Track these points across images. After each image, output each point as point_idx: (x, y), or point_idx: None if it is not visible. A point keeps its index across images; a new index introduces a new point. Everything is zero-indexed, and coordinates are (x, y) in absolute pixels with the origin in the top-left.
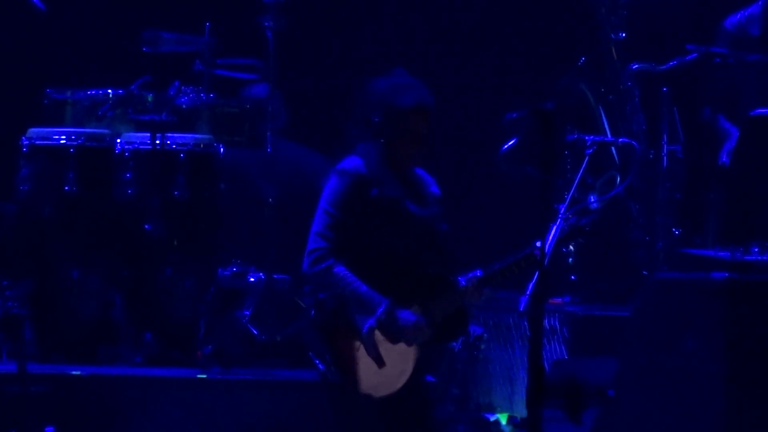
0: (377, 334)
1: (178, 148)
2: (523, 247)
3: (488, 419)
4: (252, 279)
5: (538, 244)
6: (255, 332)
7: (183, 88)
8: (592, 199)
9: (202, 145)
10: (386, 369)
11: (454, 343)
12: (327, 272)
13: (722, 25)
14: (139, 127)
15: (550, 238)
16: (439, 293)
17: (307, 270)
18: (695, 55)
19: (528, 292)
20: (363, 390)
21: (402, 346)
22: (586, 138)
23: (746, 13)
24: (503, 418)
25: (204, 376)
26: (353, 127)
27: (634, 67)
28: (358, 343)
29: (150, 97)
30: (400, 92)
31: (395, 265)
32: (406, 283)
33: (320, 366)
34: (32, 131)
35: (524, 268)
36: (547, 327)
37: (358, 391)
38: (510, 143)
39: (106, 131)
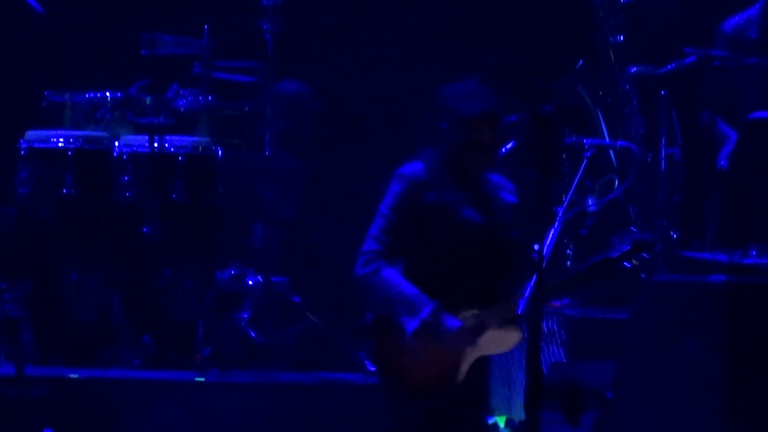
0: (422, 336)
1: (176, 150)
2: (579, 262)
3: (486, 422)
4: (250, 282)
5: (536, 247)
6: (253, 335)
7: (181, 90)
8: (591, 203)
9: (200, 148)
10: (435, 373)
11: None
12: (375, 274)
13: (720, 28)
14: (138, 130)
15: (549, 240)
16: (494, 303)
17: (357, 271)
18: (694, 58)
19: (526, 295)
20: (411, 394)
21: (453, 351)
22: (585, 141)
23: (744, 16)
24: (501, 421)
25: (202, 378)
26: (422, 132)
27: (632, 70)
28: (406, 346)
29: (148, 100)
30: (468, 99)
31: (449, 271)
32: (461, 291)
33: (370, 368)
34: (31, 134)
35: (582, 284)
36: (546, 330)
37: (406, 394)
38: (508, 146)
39: (104, 134)
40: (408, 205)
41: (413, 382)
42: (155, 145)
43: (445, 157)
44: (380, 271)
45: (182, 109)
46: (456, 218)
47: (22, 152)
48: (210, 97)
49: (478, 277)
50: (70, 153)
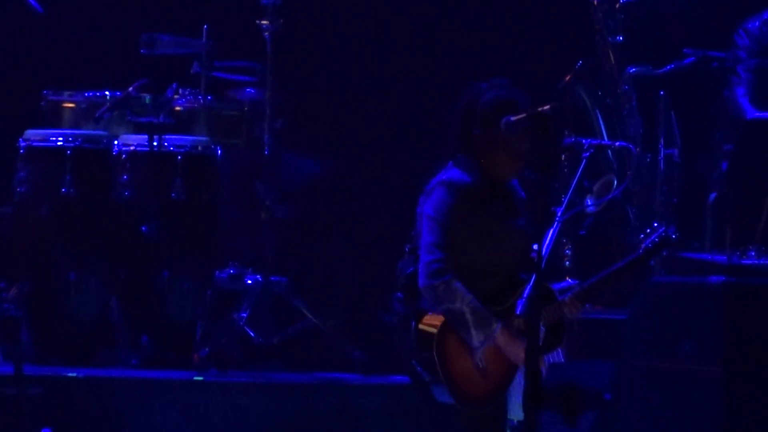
0: (493, 354)
1: (175, 150)
2: (618, 258)
3: None
4: (249, 281)
5: (535, 246)
6: (252, 335)
7: (181, 90)
8: (589, 203)
9: (199, 148)
10: (494, 378)
11: None
12: (447, 286)
13: (745, 26)
14: (137, 129)
15: (548, 241)
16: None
17: (425, 283)
18: (692, 59)
19: (525, 296)
20: (471, 399)
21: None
22: (584, 141)
23: (763, 18)
24: None
25: (201, 378)
26: (453, 139)
27: (631, 70)
28: (465, 355)
29: (148, 100)
30: (503, 108)
31: (498, 277)
32: (509, 297)
33: (425, 375)
34: (30, 133)
35: (623, 278)
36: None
37: (467, 400)
38: None
39: (103, 133)
40: (462, 213)
41: (478, 390)
42: (154, 144)
43: (482, 165)
44: (452, 284)
45: (181, 109)
46: (504, 228)
47: (21, 151)
48: (209, 97)
49: (525, 282)
50: (69, 152)
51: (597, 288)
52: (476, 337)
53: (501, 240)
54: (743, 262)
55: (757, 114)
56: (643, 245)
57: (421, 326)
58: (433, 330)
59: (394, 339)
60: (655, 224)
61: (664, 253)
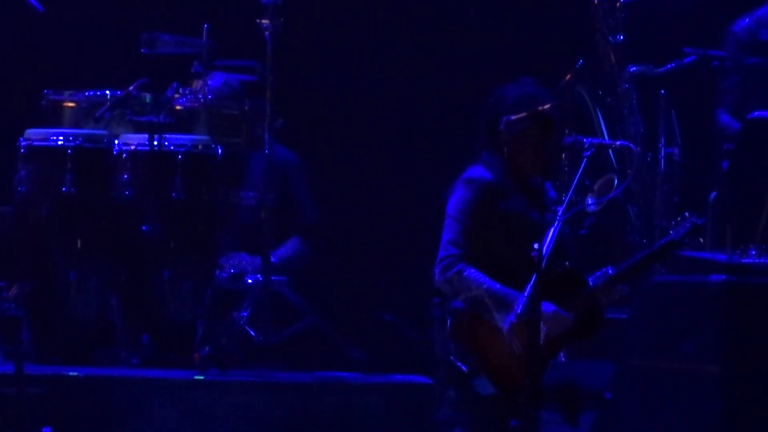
0: (519, 329)
1: (176, 149)
2: (653, 242)
3: None
4: (249, 281)
5: (536, 246)
6: (252, 334)
7: (181, 89)
8: (590, 202)
9: (200, 147)
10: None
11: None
12: (459, 276)
13: (731, 29)
14: (137, 129)
15: (548, 240)
16: (570, 293)
17: (438, 277)
18: (693, 58)
19: (525, 295)
20: (512, 383)
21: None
22: (584, 140)
23: (754, 17)
24: None
25: (201, 377)
26: (478, 136)
27: (631, 69)
28: (500, 342)
29: (148, 99)
30: (522, 103)
31: (522, 272)
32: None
33: (463, 368)
34: (30, 132)
35: (655, 263)
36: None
37: (507, 387)
38: None
39: (104, 132)
40: (481, 211)
41: (518, 374)
42: (155, 143)
43: (505, 162)
44: (463, 273)
45: (181, 108)
46: (526, 225)
47: (22, 150)
48: (210, 96)
49: (552, 269)
50: (69, 151)
51: (629, 273)
52: (500, 320)
53: (520, 235)
54: (744, 261)
55: (756, 114)
56: (673, 231)
57: (453, 320)
58: (464, 320)
59: (433, 344)
60: (686, 214)
61: (700, 241)
